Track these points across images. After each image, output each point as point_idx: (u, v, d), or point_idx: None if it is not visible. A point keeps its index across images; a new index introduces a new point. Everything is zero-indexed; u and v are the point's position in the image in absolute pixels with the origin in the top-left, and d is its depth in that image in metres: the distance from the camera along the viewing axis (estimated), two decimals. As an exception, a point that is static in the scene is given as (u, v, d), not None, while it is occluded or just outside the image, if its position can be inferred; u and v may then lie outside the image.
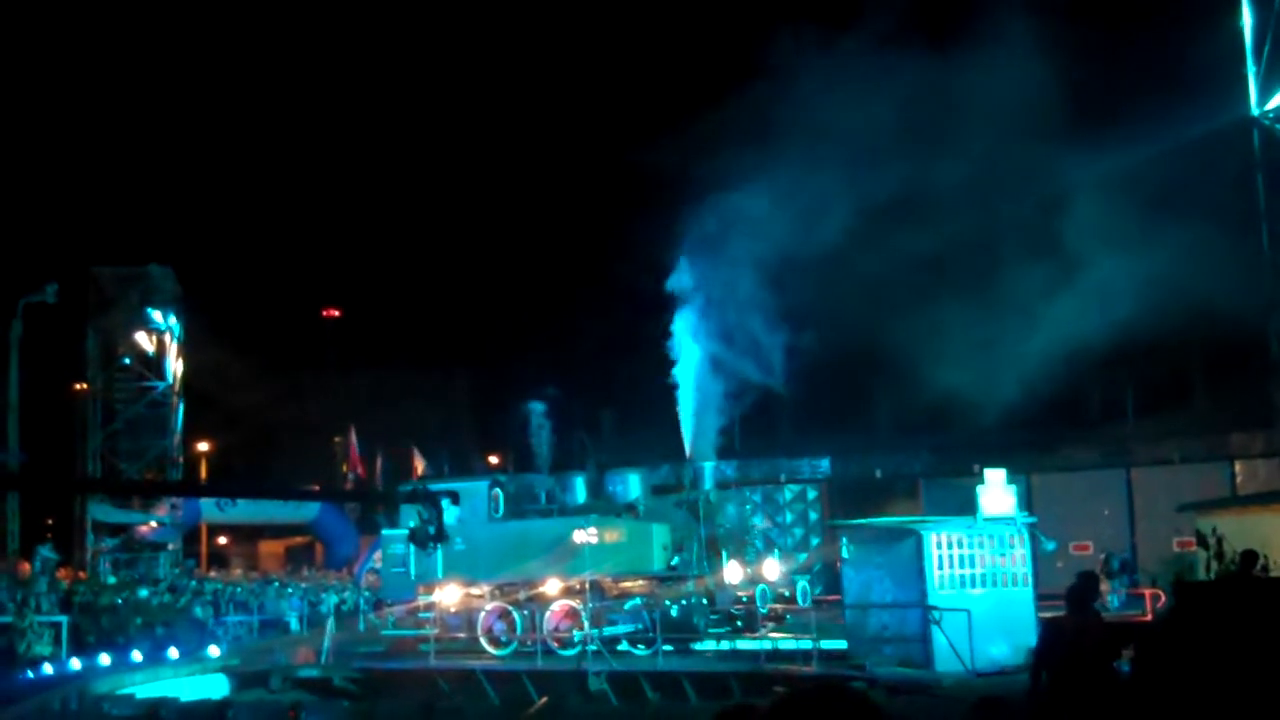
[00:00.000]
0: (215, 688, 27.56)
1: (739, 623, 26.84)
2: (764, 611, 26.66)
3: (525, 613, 27.87)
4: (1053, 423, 38.68)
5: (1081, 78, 30.22)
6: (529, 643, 27.20)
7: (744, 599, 27.10)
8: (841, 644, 24.55)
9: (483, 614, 28.52)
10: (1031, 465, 40.78)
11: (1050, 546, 25.23)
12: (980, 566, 23.19)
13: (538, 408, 31.90)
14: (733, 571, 27.02)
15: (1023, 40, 28.80)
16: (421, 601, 29.20)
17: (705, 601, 26.75)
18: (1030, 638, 22.65)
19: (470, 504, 28.40)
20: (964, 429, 44.19)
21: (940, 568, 22.90)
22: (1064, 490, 42.18)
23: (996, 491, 23.91)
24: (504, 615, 28.30)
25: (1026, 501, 42.86)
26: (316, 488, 58.95)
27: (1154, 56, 28.07)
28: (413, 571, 29.18)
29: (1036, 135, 30.18)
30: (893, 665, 22.60)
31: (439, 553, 28.23)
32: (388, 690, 26.78)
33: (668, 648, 26.56)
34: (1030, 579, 23.71)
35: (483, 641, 28.29)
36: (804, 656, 23.86)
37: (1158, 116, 29.20)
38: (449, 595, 28.98)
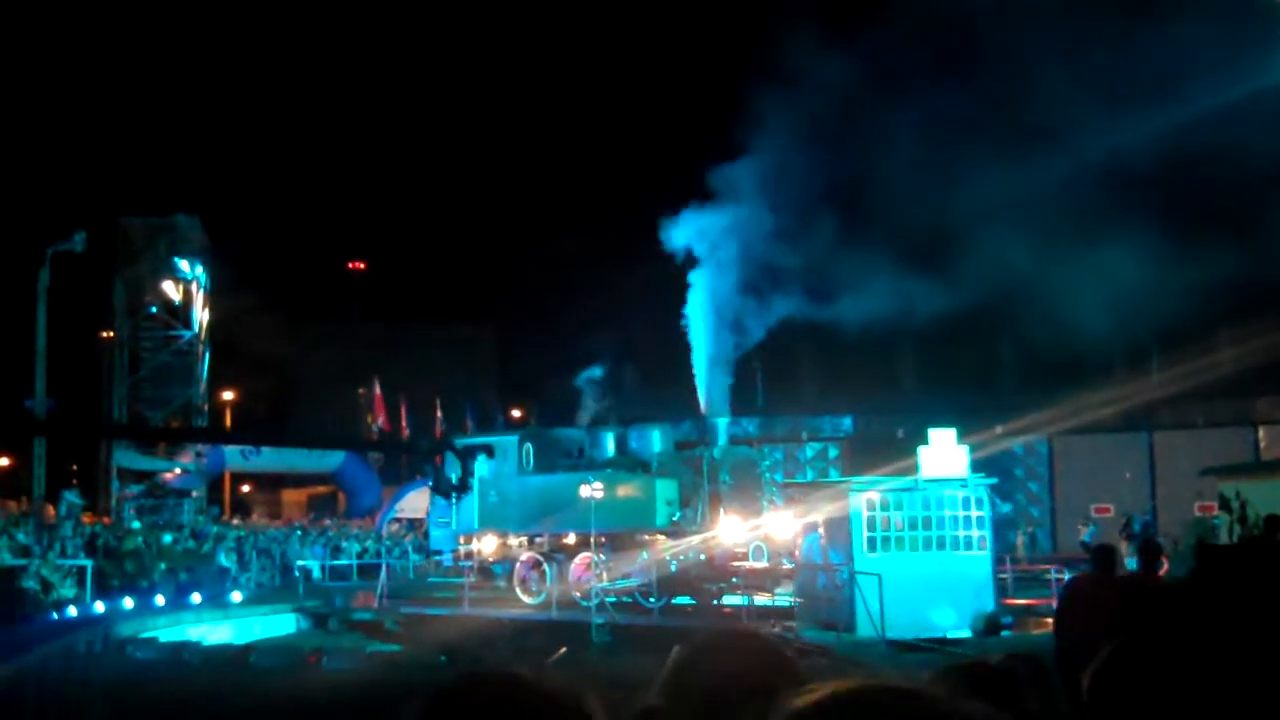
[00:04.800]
0: (286, 626, 30.08)
1: (734, 579, 26.67)
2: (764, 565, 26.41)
3: (554, 564, 28.22)
4: (1076, 384, 38.51)
5: (1111, 44, 29.96)
6: (558, 593, 27.67)
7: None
8: None
9: (517, 564, 29.11)
10: (1053, 426, 40.74)
11: (1005, 509, 24.53)
12: (925, 529, 22.30)
13: (585, 365, 32.49)
14: (730, 528, 26.91)
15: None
16: (462, 551, 30.26)
17: (703, 558, 26.81)
18: (987, 603, 22.24)
19: (503, 457, 29.38)
20: (987, 389, 44.19)
21: (872, 529, 22.16)
22: (1086, 452, 42.18)
23: (943, 452, 22.75)
24: (535, 565, 28.76)
25: (1049, 463, 43.13)
26: (337, 437, 59.25)
27: (1185, 24, 27.71)
28: (455, 523, 30.17)
29: (1063, 97, 29.97)
30: (819, 627, 22.18)
31: (475, 504, 29.45)
32: (429, 634, 27.33)
33: (681, 600, 26.85)
34: (988, 542, 22.71)
35: (518, 590, 28.87)
36: (774, 615, 23.87)
37: (1191, 82, 28.90)
38: (488, 545, 29.91)
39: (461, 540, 30.32)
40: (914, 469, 22.97)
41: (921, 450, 22.81)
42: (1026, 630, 22.58)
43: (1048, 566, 27.55)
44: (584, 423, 31.99)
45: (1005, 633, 21.72)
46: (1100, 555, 10.35)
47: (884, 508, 22.39)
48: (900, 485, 22.82)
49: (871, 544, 22.23)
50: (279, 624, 30.19)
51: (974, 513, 22.62)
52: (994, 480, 23.53)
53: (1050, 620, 22.82)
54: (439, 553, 32.26)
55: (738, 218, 29.80)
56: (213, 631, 28.25)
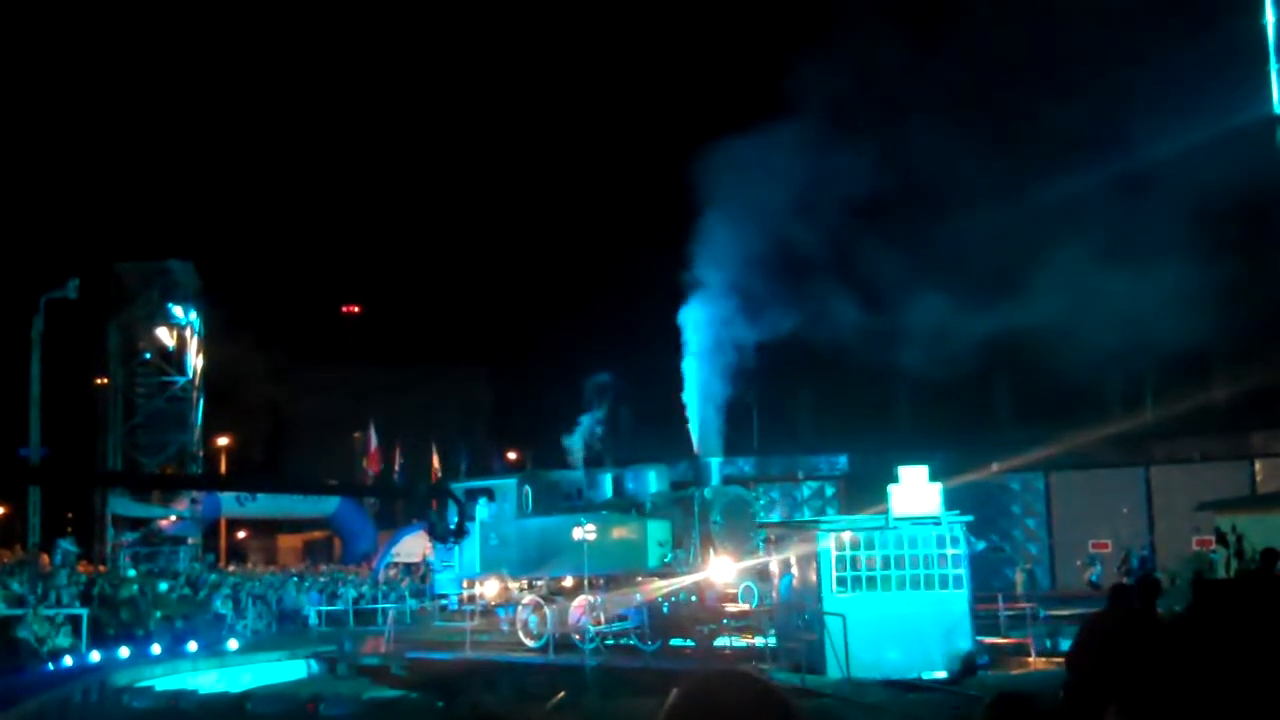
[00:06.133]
0: (299, 671, 30.42)
1: (725, 620, 26.47)
2: (752, 607, 26.12)
3: (554, 607, 28.25)
4: (1072, 420, 38.55)
5: (1099, 75, 30.17)
6: (557, 636, 27.65)
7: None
8: None
9: (518, 607, 29.19)
10: (1050, 463, 40.74)
11: (979, 547, 24.26)
12: (898, 568, 22.14)
13: (582, 403, 32.54)
14: (720, 568, 26.67)
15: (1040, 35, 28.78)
16: (465, 595, 30.51)
17: (694, 599, 26.66)
18: (964, 643, 21.98)
19: (502, 501, 29.66)
20: (983, 426, 44.22)
21: (843, 569, 22.01)
22: (1083, 488, 42.16)
23: (914, 490, 22.58)
24: (537, 608, 28.78)
25: (1045, 499, 43.06)
26: (334, 483, 59.17)
27: (1174, 55, 27.92)
28: (458, 567, 30.44)
29: (1054, 129, 30.16)
30: (790, 668, 21.92)
31: (477, 548, 29.67)
32: (433, 678, 27.48)
33: (680, 642, 26.73)
34: (964, 581, 22.48)
35: (520, 634, 28.90)
36: (758, 656, 23.75)
37: (1179, 114, 29.09)
38: (490, 589, 30.08)
39: (465, 584, 30.46)
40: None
41: (892, 489, 22.68)
42: (1006, 670, 22.41)
43: (1024, 605, 27.18)
44: (578, 462, 31.93)
45: (982, 673, 21.52)
46: (1117, 595, 10.36)
47: (854, 547, 22.25)
48: (871, 524, 22.76)
49: (843, 584, 22.07)
50: (293, 669, 30.63)
51: (949, 551, 22.43)
52: (969, 518, 23.21)
53: (1031, 659, 22.94)
54: (445, 596, 32.39)
55: (731, 254, 29.80)
56: (231, 677, 28.61)
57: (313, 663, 30.85)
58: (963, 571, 22.53)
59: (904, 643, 21.70)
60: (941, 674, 21.41)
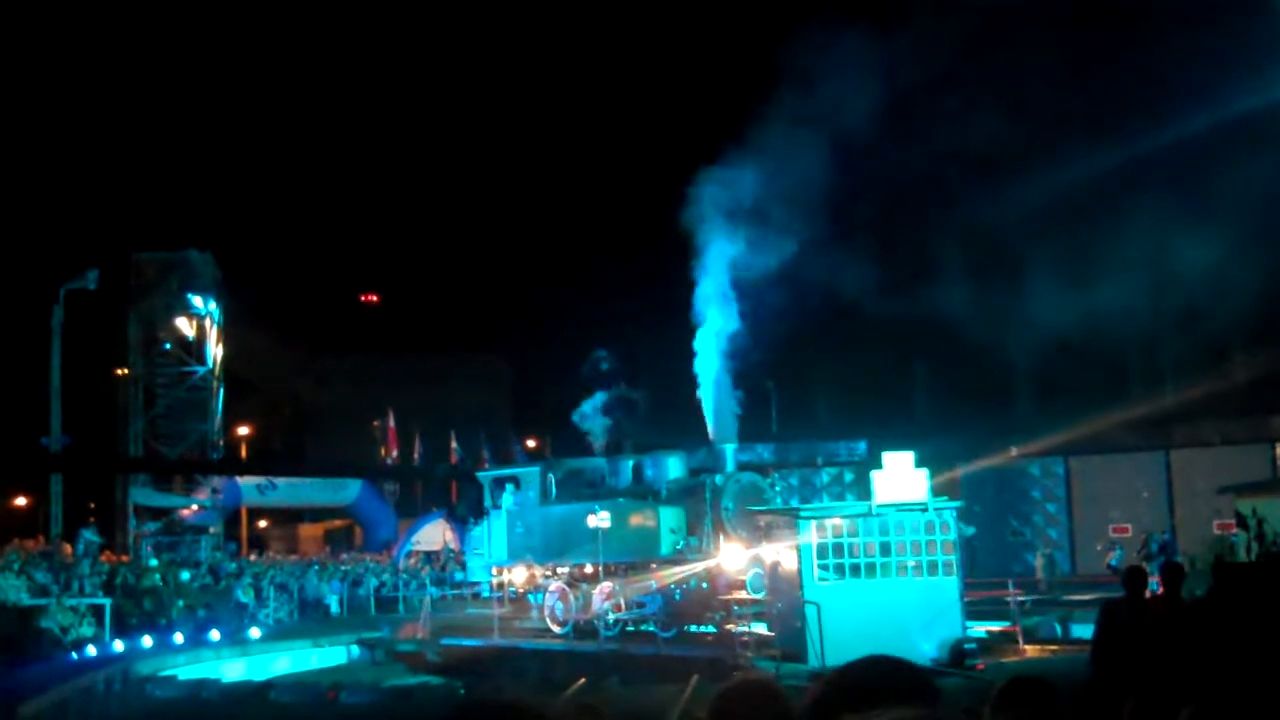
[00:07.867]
0: (338, 657, 31.40)
1: (736, 608, 26.31)
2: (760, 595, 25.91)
3: (579, 593, 28.40)
4: (1092, 405, 38.38)
5: (1122, 56, 29.96)
6: (581, 622, 27.89)
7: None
8: None
9: (545, 594, 29.42)
10: (1069, 447, 40.59)
11: (969, 533, 23.95)
12: (883, 555, 21.97)
13: (594, 389, 32.56)
14: (731, 556, 26.47)
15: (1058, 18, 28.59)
16: (495, 582, 30.86)
17: (706, 586, 26.56)
18: (953, 630, 21.78)
19: (527, 489, 29.97)
20: (1002, 411, 44.08)
21: (825, 556, 21.88)
22: (1103, 472, 42.00)
23: (899, 476, 22.31)
24: (562, 595, 28.97)
25: (1065, 484, 42.95)
26: (353, 467, 59.31)
27: (1197, 35, 27.69)
28: (487, 554, 30.80)
29: (1076, 112, 29.99)
30: (777, 657, 21.81)
31: (504, 535, 30.08)
32: (464, 664, 27.91)
33: (699, 628, 26.73)
34: (956, 568, 22.32)
35: (547, 620, 29.17)
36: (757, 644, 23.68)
37: (1201, 95, 28.87)
38: (518, 576, 30.38)
39: (494, 571, 30.77)
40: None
41: (875, 475, 22.53)
42: (997, 658, 22.05)
43: (1011, 593, 26.78)
44: (600, 449, 31.97)
45: (969, 660, 21.28)
46: (1132, 579, 10.22)
47: (837, 535, 22.09)
48: (854, 511, 22.63)
49: (825, 571, 21.97)
50: (334, 654, 31.54)
51: (939, 538, 22.25)
52: (958, 504, 23.02)
53: (1022, 646, 22.78)
54: (476, 584, 32.70)
55: (749, 229, 29.57)
56: (268, 663, 29.47)
57: (354, 648, 31.53)
58: (953, 558, 22.38)
59: (888, 630, 21.36)
60: (926, 663, 21.25)
